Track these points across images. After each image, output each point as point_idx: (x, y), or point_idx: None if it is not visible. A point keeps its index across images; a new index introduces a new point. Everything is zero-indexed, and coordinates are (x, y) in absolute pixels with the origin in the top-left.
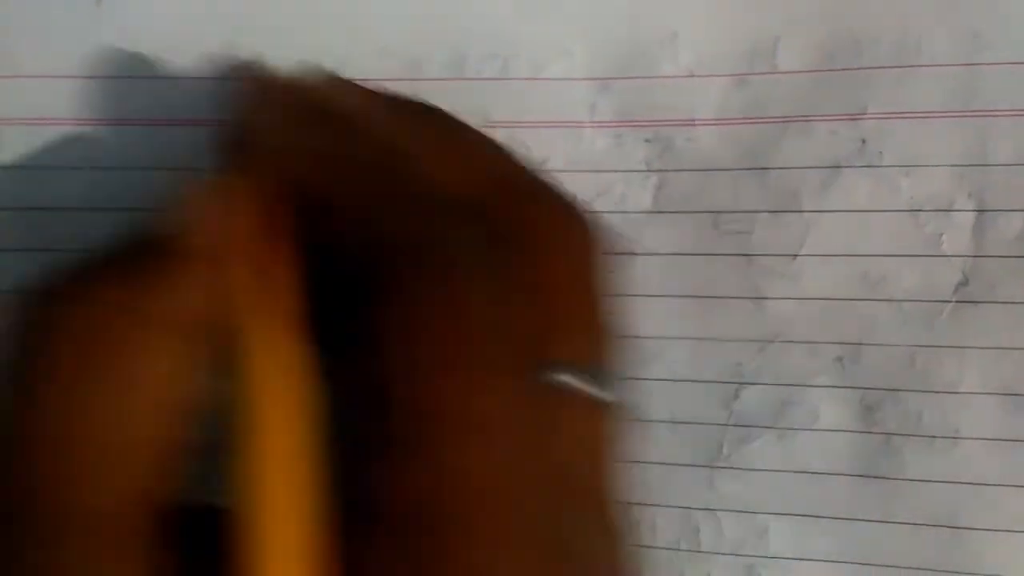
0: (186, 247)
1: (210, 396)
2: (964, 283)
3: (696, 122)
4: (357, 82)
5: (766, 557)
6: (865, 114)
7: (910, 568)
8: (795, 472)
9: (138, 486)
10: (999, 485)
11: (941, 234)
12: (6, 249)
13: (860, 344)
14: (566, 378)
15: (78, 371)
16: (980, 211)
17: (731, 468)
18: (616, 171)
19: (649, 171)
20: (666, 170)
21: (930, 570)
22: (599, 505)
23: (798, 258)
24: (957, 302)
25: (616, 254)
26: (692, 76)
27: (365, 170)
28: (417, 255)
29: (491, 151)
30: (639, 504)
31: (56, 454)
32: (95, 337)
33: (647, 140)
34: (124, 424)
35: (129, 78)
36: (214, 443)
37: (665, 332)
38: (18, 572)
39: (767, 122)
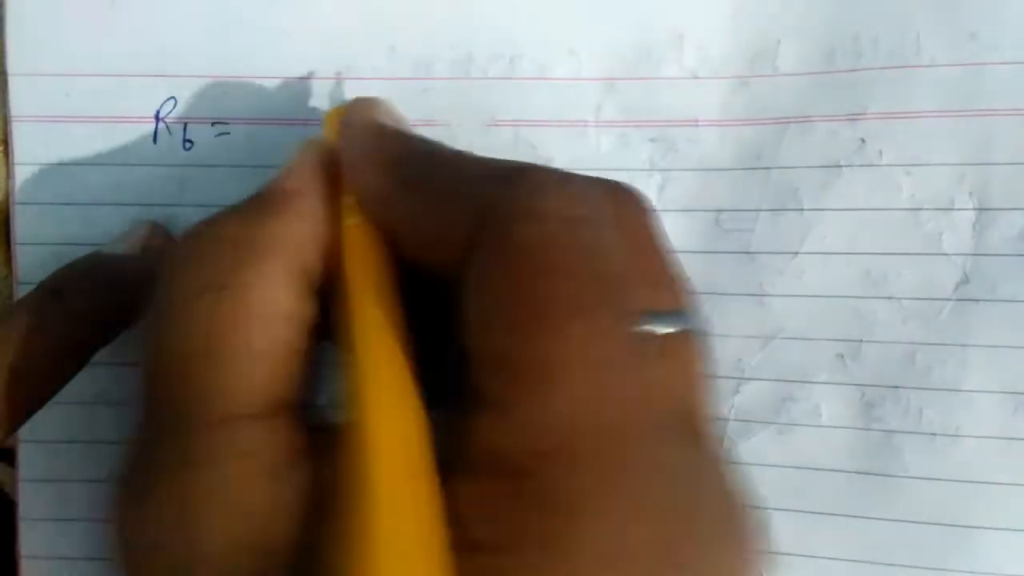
0: (283, 190)
1: (310, 312)
2: (965, 281)
3: (699, 122)
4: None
5: (766, 552)
6: (865, 114)
7: (909, 565)
8: (795, 468)
9: (260, 386)
10: (999, 483)
11: (941, 233)
12: (27, 243)
13: (861, 341)
14: (658, 325)
15: (204, 291)
16: (980, 210)
17: (732, 462)
18: (621, 170)
19: (653, 170)
20: (670, 169)
21: (929, 568)
22: (708, 438)
23: (799, 256)
24: (958, 300)
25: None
26: (695, 78)
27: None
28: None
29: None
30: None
31: (187, 360)
32: (215, 262)
33: (651, 140)
34: (242, 332)
35: (142, 76)
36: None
37: None
38: (181, 464)
39: (768, 123)
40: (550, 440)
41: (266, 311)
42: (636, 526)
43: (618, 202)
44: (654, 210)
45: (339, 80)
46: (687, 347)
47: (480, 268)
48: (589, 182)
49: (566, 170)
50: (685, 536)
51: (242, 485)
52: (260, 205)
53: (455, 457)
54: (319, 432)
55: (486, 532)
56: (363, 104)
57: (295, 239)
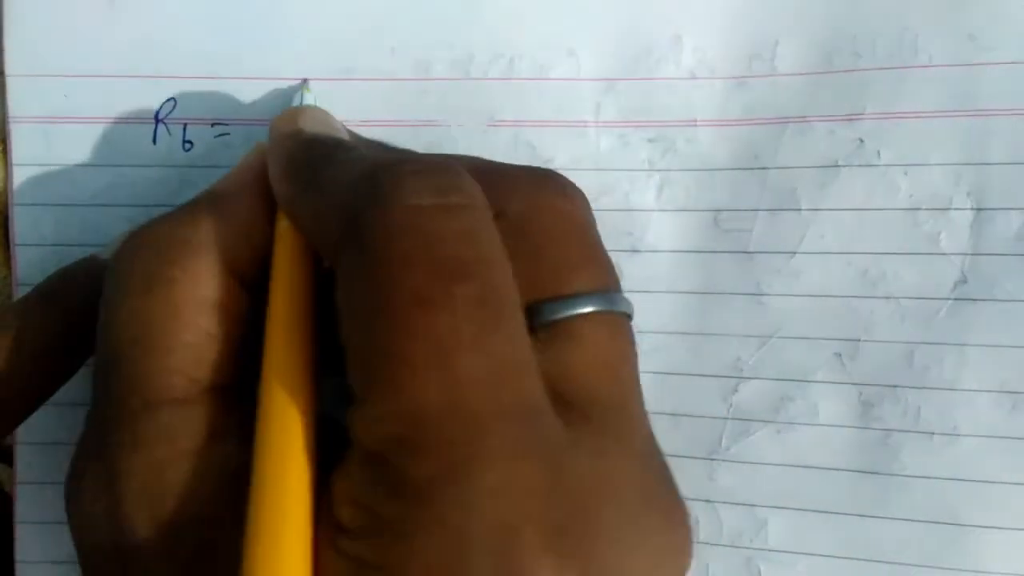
0: (218, 193)
1: (240, 302)
2: (963, 281)
3: (698, 122)
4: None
5: (764, 550)
6: (863, 114)
7: (907, 564)
8: (794, 466)
9: (184, 372)
10: (997, 482)
11: (939, 232)
12: (26, 244)
13: (859, 340)
14: (583, 306)
15: (137, 287)
16: (978, 209)
17: (730, 461)
18: (620, 170)
19: (652, 170)
20: (668, 169)
21: (927, 566)
22: (613, 417)
23: (797, 255)
24: (955, 300)
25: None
26: (694, 78)
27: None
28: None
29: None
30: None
31: (121, 350)
32: (148, 260)
33: (650, 140)
34: (167, 323)
35: (142, 77)
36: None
37: (666, 327)
38: (110, 445)
39: (767, 123)
40: (399, 429)
41: (190, 303)
42: (486, 512)
43: (529, 189)
44: (579, 196)
45: (304, 82)
46: (595, 330)
47: (341, 264)
48: (477, 170)
49: (486, 161)
50: (557, 522)
51: (160, 467)
52: (195, 207)
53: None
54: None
55: (349, 517)
56: (290, 113)
57: (223, 237)
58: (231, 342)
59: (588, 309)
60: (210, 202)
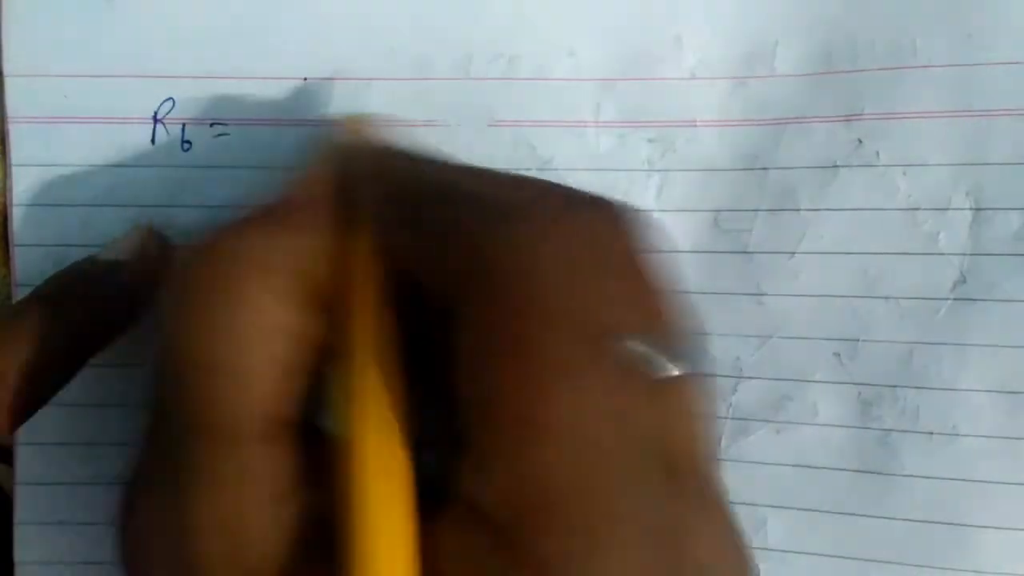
0: (293, 202)
1: (315, 328)
2: (962, 281)
3: (697, 123)
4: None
5: (764, 549)
6: (862, 115)
7: (906, 564)
8: (793, 466)
9: (265, 405)
10: (996, 482)
11: (938, 232)
12: (25, 244)
13: (858, 340)
14: (655, 369)
15: (205, 310)
16: (977, 209)
17: (730, 461)
18: (619, 170)
19: (651, 170)
20: (668, 170)
21: (927, 566)
22: (705, 485)
23: (796, 256)
24: (955, 300)
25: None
26: (693, 78)
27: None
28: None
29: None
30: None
31: (191, 374)
32: (215, 281)
33: (650, 140)
34: (245, 348)
35: (140, 77)
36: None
37: None
38: (180, 483)
39: (766, 123)
40: (529, 498)
41: (268, 327)
42: None
43: (616, 234)
44: (646, 230)
45: (333, 80)
46: (686, 390)
47: (469, 310)
48: (589, 216)
49: (569, 191)
50: None
51: (243, 510)
52: (268, 217)
53: (444, 499)
54: (317, 451)
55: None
56: (373, 123)
57: (300, 253)
58: (308, 373)
59: (680, 368)
60: (282, 213)
